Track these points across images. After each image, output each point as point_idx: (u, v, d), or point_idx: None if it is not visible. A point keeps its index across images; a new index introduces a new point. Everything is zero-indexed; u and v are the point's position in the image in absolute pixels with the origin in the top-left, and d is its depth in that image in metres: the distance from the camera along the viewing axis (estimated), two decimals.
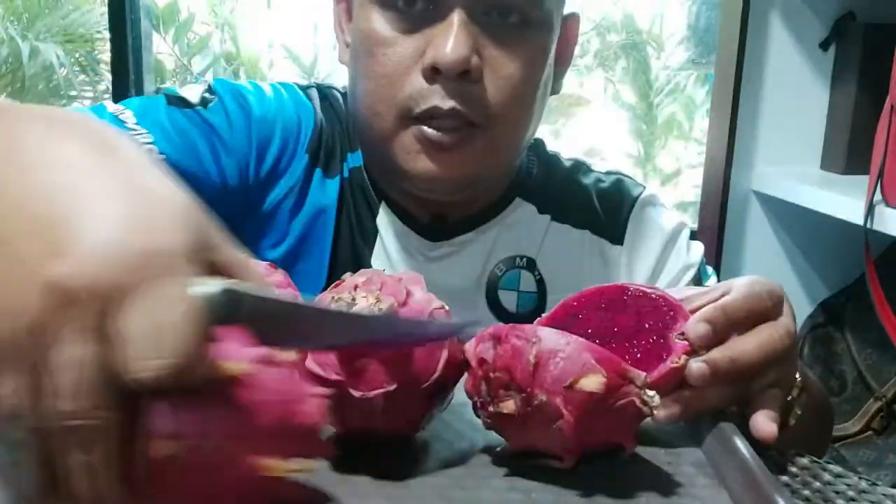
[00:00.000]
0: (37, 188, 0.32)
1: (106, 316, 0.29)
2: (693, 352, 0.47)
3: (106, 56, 2.50)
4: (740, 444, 0.46)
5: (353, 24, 0.70)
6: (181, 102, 0.69)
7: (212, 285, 0.32)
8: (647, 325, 0.50)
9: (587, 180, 0.81)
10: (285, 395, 0.35)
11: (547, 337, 0.42)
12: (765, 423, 0.49)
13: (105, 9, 1.72)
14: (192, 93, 0.71)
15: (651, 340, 0.49)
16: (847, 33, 1.35)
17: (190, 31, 3.03)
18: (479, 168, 0.68)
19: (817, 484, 0.48)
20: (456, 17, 0.62)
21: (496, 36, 0.64)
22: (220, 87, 0.72)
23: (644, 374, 0.43)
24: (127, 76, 1.56)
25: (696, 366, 0.47)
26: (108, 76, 1.83)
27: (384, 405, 0.44)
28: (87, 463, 0.30)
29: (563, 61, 0.75)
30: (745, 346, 0.48)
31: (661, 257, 0.78)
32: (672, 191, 2.37)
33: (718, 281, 0.79)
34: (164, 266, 0.30)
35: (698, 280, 0.77)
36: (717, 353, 0.48)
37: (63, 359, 0.29)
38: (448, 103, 0.63)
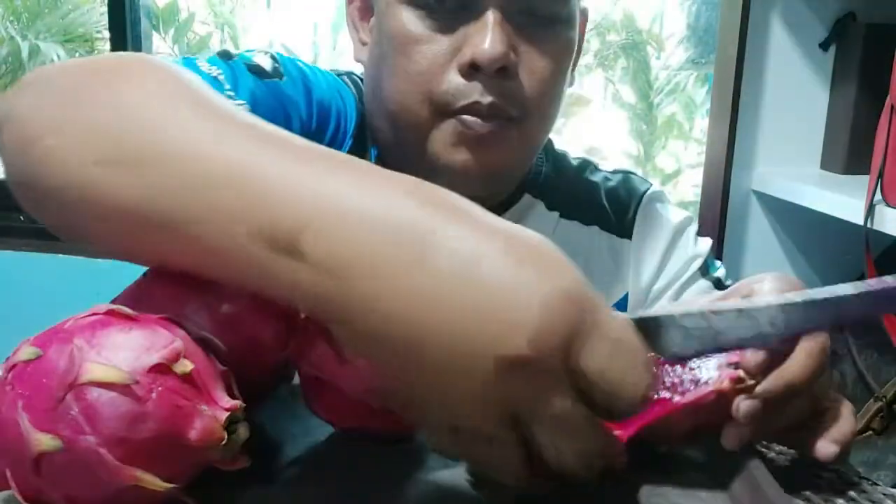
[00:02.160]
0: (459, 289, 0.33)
1: (567, 367, 0.33)
2: (740, 380, 0.44)
3: None
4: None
5: (374, 23, 0.71)
6: (259, 71, 0.69)
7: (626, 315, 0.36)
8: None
9: (595, 178, 0.82)
10: (174, 409, 0.36)
11: None
12: (825, 446, 0.47)
13: (105, 9, 1.72)
14: (264, 61, 0.70)
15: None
16: (847, 33, 1.34)
17: (190, 31, 3.03)
18: (514, 161, 0.70)
19: (817, 483, 0.48)
20: (491, 16, 0.63)
21: (528, 33, 0.66)
22: (284, 60, 0.72)
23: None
24: None
25: (746, 404, 0.43)
26: None
27: (381, 405, 0.44)
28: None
29: (576, 55, 0.76)
30: (794, 368, 0.45)
31: (667, 250, 0.80)
32: (672, 191, 2.37)
33: (726, 274, 0.79)
34: (589, 308, 0.33)
35: (705, 270, 0.79)
36: (770, 384, 0.44)
37: (553, 415, 0.33)
38: (487, 98, 0.64)
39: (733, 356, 0.45)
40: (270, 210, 0.35)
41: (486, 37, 0.63)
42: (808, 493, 0.47)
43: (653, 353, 0.38)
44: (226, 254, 0.37)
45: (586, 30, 0.78)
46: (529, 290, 0.33)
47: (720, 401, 0.44)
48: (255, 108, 0.66)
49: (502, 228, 0.36)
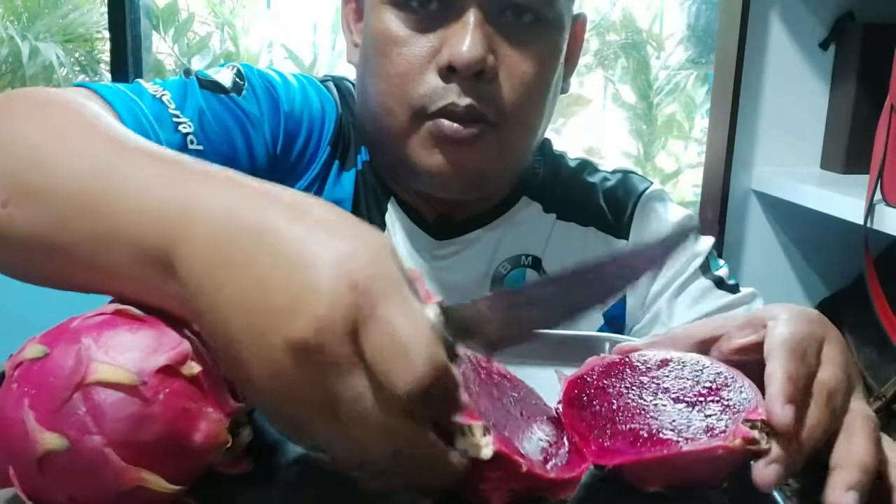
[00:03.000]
0: (269, 267, 0.34)
1: (357, 345, 0.32)
2: (754, 441, 0.40)
3: (105, 56, 2.50)
4: None
5: (363, 24, 0.71)
6: (214, 87, 0.69)
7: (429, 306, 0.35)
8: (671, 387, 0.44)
9: (593, 179, 0.81)
10: (180, 411, 0.36)
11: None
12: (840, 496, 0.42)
13: (105, 9, 1.72)
14: (224, 77, 0.70)
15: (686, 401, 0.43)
16: (847, 33, 1.35)
17: (189, 30, 3.03)
18: (491, 165, 0.68)
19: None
20: (472, 17, 0.63)
21: (510, 35, 0.65)
22: (250, 73, 0.72)
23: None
24: (126, 76, 1.56)
25: (769, 470, 0.40)
26: (108, 76, 1.83)
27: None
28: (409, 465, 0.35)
29: (570, 61, 0.75)
30: (816, 417, 0.42)
31: None
32: (672, 190, 2.37)
33: (730, 272, 0.78)
34: (378, 295, 0.33)
35: (706, 268, 0.76)
36: (806, 440, 0.41)
37: (348, 395, 0.32)
38: (464, 101, 0.63)
39: (757, 411, 0.41)
40: (142, 230, 0.37)
41: (465, 38, 0.62)
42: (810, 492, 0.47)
43: (465, 346, 0.37)
44: (110, 272, 0.39)
45: (585, 31, 0.78)
46: (319, 273, 0.32)
47: (725, 457, 0.40)
48: (204, 124, 0.66)
49: (308, 206, 0.36)
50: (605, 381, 0.46)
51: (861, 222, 1.10)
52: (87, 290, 0.42)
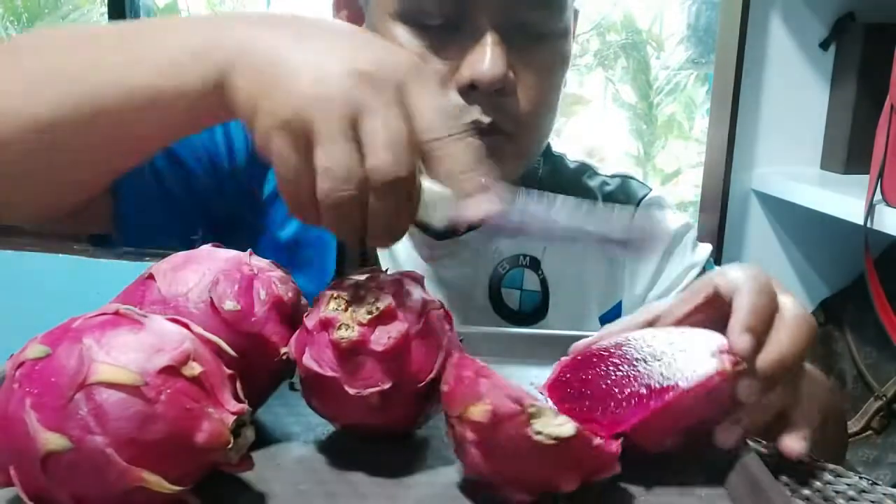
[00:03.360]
0: (326, 31, 0.46)
1: (401, 96, 0.42)
2: (738, 362, 0.44)
3: None
4: (740, 444, 0.46)
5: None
6: None
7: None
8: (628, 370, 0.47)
9: (593, 183, 0.82)
10: (182, 411, 0.36)
11: (460, 361, 0.42)
12: (793, 442, 0.47)
13: (105, 9, 1.72)
14: None
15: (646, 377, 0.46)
16: (847, 33, 1.35)
17: None
18: (506, 173, 0.69)
19: (817, 483, 0.48)
20: (489, 36, 0.64)
21: (523, 50, 0.66)
22: None
23: (540, 403, 0.39)
24: None
25: (745, 383, 0.44)
26: None
27: (379, 403, 0.44)
28: (393, 205, 0.42)
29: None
30: (783, 344, 0.46)
31: (663, 257, 0.78)
32: (672, 190, 2.37)
33: None
34: (423, 70, 0.45)
35: None
36: (762, 362, 0.45)
37: (379, 123, 0.41)
38: (486, 119, 0.65)
39: (723, 346, 0.45)
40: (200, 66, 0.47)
41: (485, 57, 0.63)
42: (807, 492, 0.47)
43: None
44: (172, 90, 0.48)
45: (577, 26, 0.78)
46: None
47: (721, 387, 0.43)
48: None
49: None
50: (581, 375, 0.48)
51: (861, 222, 1.10)
52: (133, 148, 0.54)
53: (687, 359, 0.45)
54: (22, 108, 0.52)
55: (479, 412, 0.39)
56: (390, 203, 0.42)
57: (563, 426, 0.39)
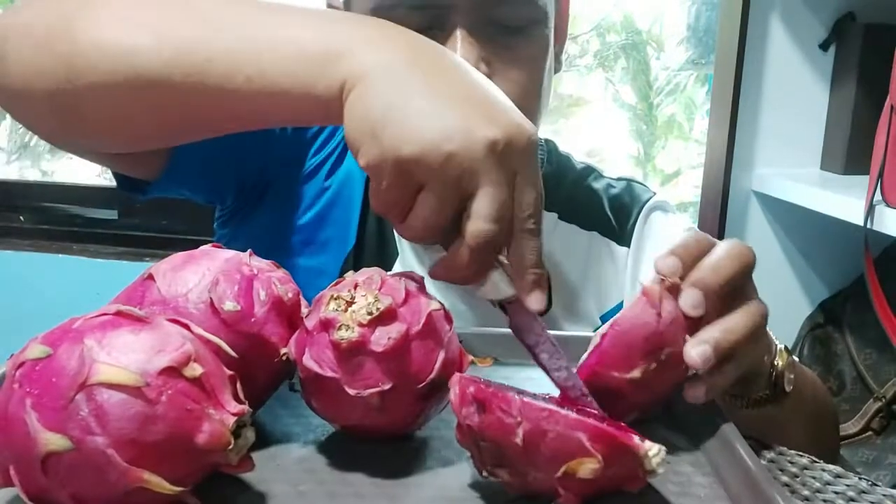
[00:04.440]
0: (460, 79, 0.47)
1: (515, 177, 0.45)
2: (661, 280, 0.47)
3: None
4: (739, 443, 0.46)
5: None
6: None
7: None
8: None
9: (598, 185, 0.82)
10: (183, 412, 0.36)
11: (531, 415, 0.39)
12: (693, 387, 0.48)
13: None
14: None
15: None
16: (847, 34, 1.34)
17: None
18: None
19: (817, 484, 0.48)
20: (458, 32, 0.64)
21: (499, 42, 0.66)
22: None
23: (643, 446, 0.40)
24: None
25: (697, 349, 0.45)
26: None
27: (379, 403, 0.44)
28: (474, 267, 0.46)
29: (560, 39, 0.75)
30: (735, 321, 0.47)
31: None
32: (672, 191, 2.36)
33: None
34: (536, 151, 0.46)
35: None
36: (712, 331, 0.46)
37: (490, 191, 0.43)
38: None
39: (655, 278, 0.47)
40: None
41: (457, 52, 0.62)
42: (806, 493, 0.47)
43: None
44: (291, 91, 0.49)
45: (570, 3, 0.77)
46: (507, 106, 0.47)
47: (650, 306, 0.46)
48: None
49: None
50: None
51: (861, 223, 1.10)
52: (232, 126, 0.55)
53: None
54: (143, 52, 0.51)
55: (587, 470, 0.39)
56: (477, 260, 0.45)
57: (658, 454, 0.40)
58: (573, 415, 0.39)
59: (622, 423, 0.42)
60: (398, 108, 0.44)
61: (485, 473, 0.42)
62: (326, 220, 0.76)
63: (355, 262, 0.76)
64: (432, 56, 0.48)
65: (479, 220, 0.44)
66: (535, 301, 0.47)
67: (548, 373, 0.47)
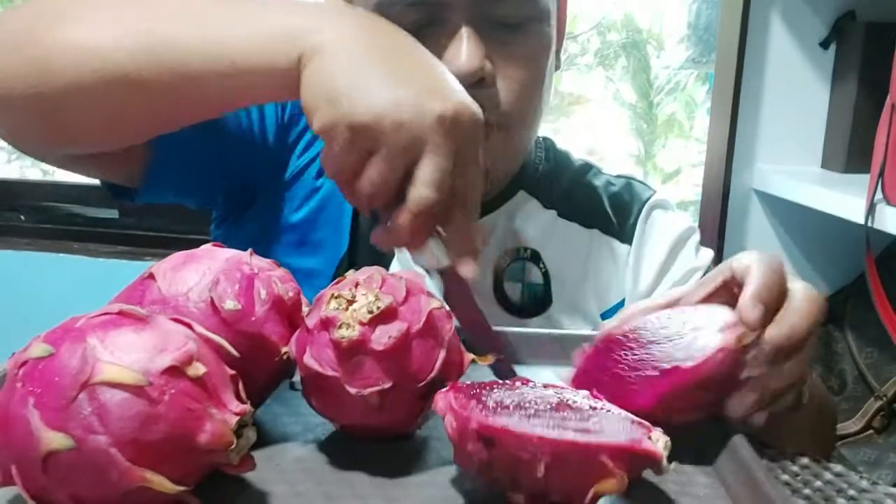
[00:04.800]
0: (415, 59, 0.52)
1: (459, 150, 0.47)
2: (741, 337, 0.46)
3: None
4: (739, 443, 0.46)
5: None
6: None
7: None
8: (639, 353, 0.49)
9: (598, 182, 0.82)
10: (185, 412, 0.36)
11: (549, 448, 0.39)
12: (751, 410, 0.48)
13: None
14: None
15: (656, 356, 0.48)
16: (847, 32, 1.34)
17: None
18: (500, 164, 0.70)
19: (818, 483, 0.48)
20: (464, 30, 0.64)
21: (502, 39, 0.66)
22: None
23: (660, 446, 0.40)
24: None
25: (753, 354, 0.45)
26: None
27: (379, 402, 0.44)
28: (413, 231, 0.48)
29: (558, 37, 0.75)
30: (794, 318, 0.47)
31: (667, 260, 0.79)
32: (672, 189, 2.36)
33: None
34: (481, 130, 0.50)
35: None
36: (773, 331, 0.46)
37: (435, 160, 0.47)
38: None
39: (732, 321, 0.46)
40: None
41: (461, 51, 0.63)
42: (807, 491, 0.47)
43: None
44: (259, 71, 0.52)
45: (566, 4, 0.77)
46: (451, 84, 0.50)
47: (727, 363, 0.45)
48: None
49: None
50: (599, 364, 0.50)
51: (862, 222, 1.10)
52: (202, 112, 0.58)
53: (697, 336, 0.46)
54: (110, 49, 0.54)
55: (610, 487, 0.39)
56: (417, 226, 0.48)
57: (667, 443, 0.40)
58: (592, 438, 0.39)
59: (628, 415, 0.42)
60: (354, 77, 0.47)
61: (497, 495, 0.42)
62: (319, 220, 0.76)
63: (350, 263, 0.76)
64: (390, 35, 0.52)
65: (422, 186, 0.47)
66: (467, 269, 0.49)
67: (470, 339, 0.50)
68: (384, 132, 0.46)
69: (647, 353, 0.47)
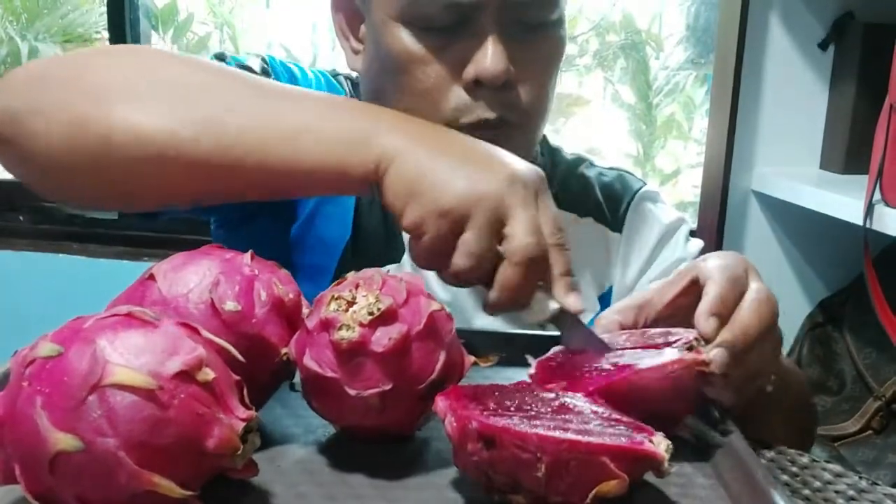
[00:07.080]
0: (466, 144, 0.56)
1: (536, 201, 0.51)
2: (697, 350, 0.48)
3: None
4: (739, 443, 0.46)
5: (367, 34, 0.72)
6: (249, 72, 0.71)
7: None
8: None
9: (590, 173, 0.84)
10: (194, 416, 0.36)
11: (550, 448, 0.39)
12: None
13: (104, 9, 1.72)
14: (255, 63, 0.75)
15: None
16: (846, 33, 1.34)
17: (189, 31, 3.02)
18: None
19: (817, 483, 0.48)
20: (490, 35, 0.65)
21: (522, 42, 0.67)
22: (274, 64, 0.76)
23: (662, 449, 0.40)
24: None
25: (716, 352, 0.48)
26: None
27: (379, 404, 0.44)
28: (526, 279, 0.50)
29: None
30: (746, 318, 0.51)
31: (654, 249, 0.81)
32: (671, 191, 2.37)
33: None
34: (545, 182, 0.54)
35: None
36: (727, 334, 0.50)
37: (521, 213, 0.50)
38: (493, 114, 0.66)
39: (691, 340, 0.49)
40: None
41: (488, 56, 0.64)
42: (807, 492, 0.47)
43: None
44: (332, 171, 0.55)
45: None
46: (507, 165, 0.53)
47: (680, 375, 0.46)
48: None
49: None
50: (567, 359, 0.52)
51: (860, 222, 1.10)
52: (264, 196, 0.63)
53: (659, 353, 0.48)
54: (181, 140, 0.55)
55: (614, 488, 0.39)
56: (526, 276, 0.50)
57: (669, 446, 0.40)
58: (593, 439, 0.39)
59: (630, 419, 0.42)
60: (430, 174, 0.51)
61: (497, 497, 0.42)
62: (319, 216, 0.76)
63: (353, 258, 0.76)
64: (440, 132, 0.57)
65: (520, 236, 0.49)
66: (576, 304, 0.52)
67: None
68: (469, 208, 0.50)
69: (610, 359, 0.49)
